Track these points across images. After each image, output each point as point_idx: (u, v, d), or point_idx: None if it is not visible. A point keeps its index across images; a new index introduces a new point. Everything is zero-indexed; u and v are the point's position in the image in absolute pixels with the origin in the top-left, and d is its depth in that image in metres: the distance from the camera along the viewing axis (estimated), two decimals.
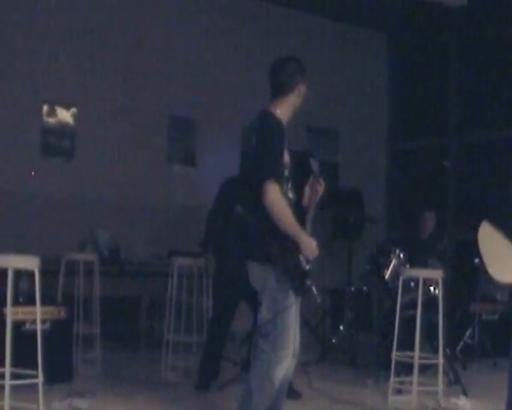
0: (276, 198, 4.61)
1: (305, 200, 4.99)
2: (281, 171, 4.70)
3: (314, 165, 4.97)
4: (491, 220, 5.00)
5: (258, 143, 4.75)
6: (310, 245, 4.68)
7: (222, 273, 7.05)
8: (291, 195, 4.85)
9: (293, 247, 4.67)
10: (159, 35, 10.65)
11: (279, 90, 4.95)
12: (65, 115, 9.79)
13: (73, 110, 9.86)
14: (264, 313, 4.80)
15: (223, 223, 7.17)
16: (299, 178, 5.05)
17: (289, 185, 4.85)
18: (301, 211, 4.87)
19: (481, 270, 6.88)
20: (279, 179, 4.66)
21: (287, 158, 4.81)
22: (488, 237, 5.04)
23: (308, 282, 4.71)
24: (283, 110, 4.93)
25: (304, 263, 4.70)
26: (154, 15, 10.66)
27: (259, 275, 4.81)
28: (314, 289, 4.82)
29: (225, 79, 11.15)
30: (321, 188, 4.96)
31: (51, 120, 9.80)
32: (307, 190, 4.99)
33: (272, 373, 4.74)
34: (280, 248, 4.65)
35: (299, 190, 4.96)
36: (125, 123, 10.31)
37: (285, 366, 4.78)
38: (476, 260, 7.86)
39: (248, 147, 4.87)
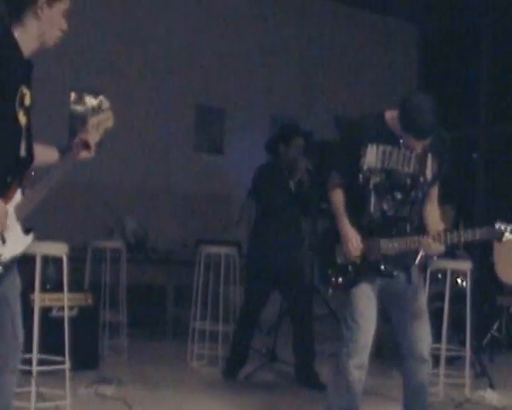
0: (330, 191, 4.62)
1: None
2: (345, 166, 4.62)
3: None
4: None
5: None
6: (348, 243, 4.49)
7: (257, 260, 7.02)
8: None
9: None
10: (187, 23, 10.63)
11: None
12: (92, 103, 9.80)
13: (101, 98, 9.87)
14: None
15: (258, 210, 7.14)
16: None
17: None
18: None
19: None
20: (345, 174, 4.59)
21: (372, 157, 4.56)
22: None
23: (382, 266, 4.61)
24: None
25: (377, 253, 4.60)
26: (183, 2, 10.65)
27: None
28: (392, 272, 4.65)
29: (253, 68, 11.12)
30: None
31: (79, 108, 9.82)
32: None
33: (345, 367, 4.58)
34: None
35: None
36: (153, 111, 10.31)
37: (359, 362, 4.61)
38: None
39: None
